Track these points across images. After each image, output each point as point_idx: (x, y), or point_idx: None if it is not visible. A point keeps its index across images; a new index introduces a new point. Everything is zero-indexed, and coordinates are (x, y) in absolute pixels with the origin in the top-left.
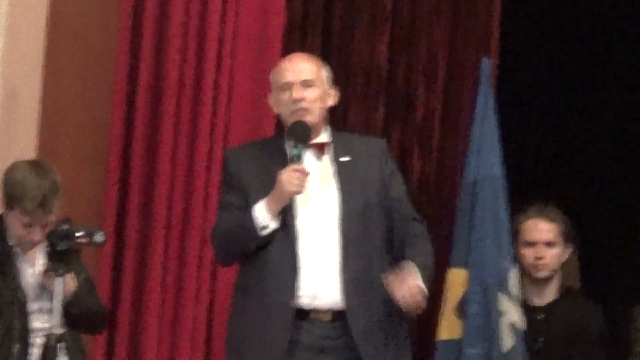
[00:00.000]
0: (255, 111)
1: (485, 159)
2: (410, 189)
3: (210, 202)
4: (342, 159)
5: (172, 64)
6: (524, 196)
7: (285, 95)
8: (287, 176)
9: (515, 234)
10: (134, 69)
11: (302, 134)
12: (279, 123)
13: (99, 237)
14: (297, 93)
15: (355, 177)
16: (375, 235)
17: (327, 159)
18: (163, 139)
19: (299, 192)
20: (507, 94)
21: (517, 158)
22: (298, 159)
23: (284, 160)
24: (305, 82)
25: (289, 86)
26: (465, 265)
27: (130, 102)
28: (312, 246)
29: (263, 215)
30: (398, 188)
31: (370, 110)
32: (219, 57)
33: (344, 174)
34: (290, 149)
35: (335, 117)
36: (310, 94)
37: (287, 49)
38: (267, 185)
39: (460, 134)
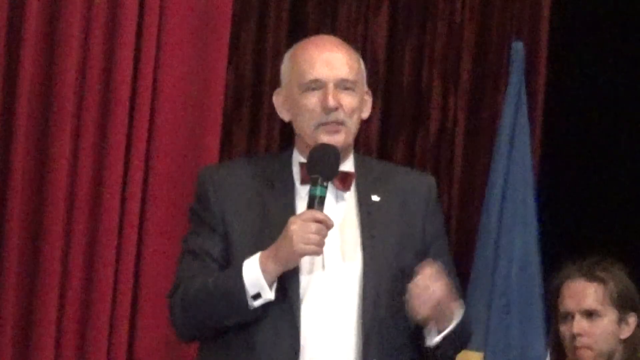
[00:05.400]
0: (191, 124)
1: (514, 194)
2: None
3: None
4: (370, 200)
5: (68, 56)
6: (571, 249)
7: (312, 99)
8: (301, 227)
9: (552, 304)
10: (11, 62)
11: (330, 164)
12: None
13: None
14: (333, 98)
15: (388, 230)
16: (407, 319)
17: (349, 197)
18: (56, 164)
19: (316, 253)
20: (555, 96)
21: (561, 189)
22: (321, 202)
23: (291, 194)
24: (343, 83)
25: (319, 85)
26: (479, 346)
27: (7, 109)
28: (321, 329)
29: (256, 279)
30: (441, 254)
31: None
32: (139, 46)
33: (372, 223)
34: (300, 175)
35: None
36: (349, 101)
37: (240, 32)
38: (263, 232)
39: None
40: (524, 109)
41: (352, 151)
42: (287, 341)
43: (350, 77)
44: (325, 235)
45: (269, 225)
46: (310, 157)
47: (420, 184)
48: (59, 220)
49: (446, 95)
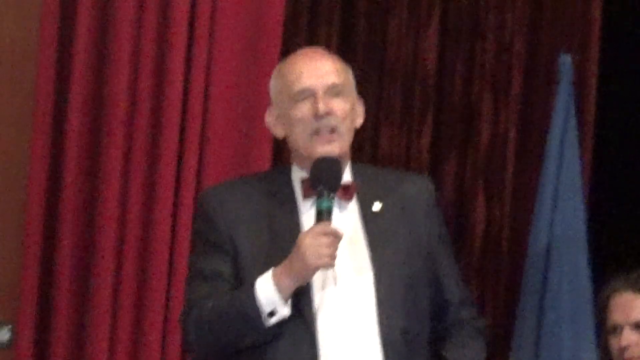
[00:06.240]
0: (243, 133)
1: (564, 208)
2: (472, 250)
3: (177, 261)
4: (373, 208)
5: (120, 61)
6: (622, 262)
7: (303, 109)
8: (313, 241)
9: (601, 318)
10: (63, 67)
11: (334, 176)
12: (277, 151)
13: (3, 334)
14: (323, 104)
15: (395, 238)
16: (423, 324)
17: (351, 207)
18: (107, 171)
19: (330, 266)
20: (606, 110)
21: (612, 202)
22: (329, 215)
23: (295, 210)
24: (332, 89)
25: (308, 94)
26: (532, 359)
27: (59, 114)
28: (340, 344)
29: (270, 296)
30: (448, 257)
31: (413, 134)
32: (190, 56)
33: (378, 232)
34: (302, 189)
35: (360, 144)
36: (340, 106)
37: (290, 45)
38: (271, 249)
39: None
40: (573, 122)
41: (350, 160)
42: (306, 358)
43: (339, 82)
44: (336, 247)
45: (276, 242)
46: (313, 171)
47: (419, 188)
48: (110, 232)
49: (497, 109)
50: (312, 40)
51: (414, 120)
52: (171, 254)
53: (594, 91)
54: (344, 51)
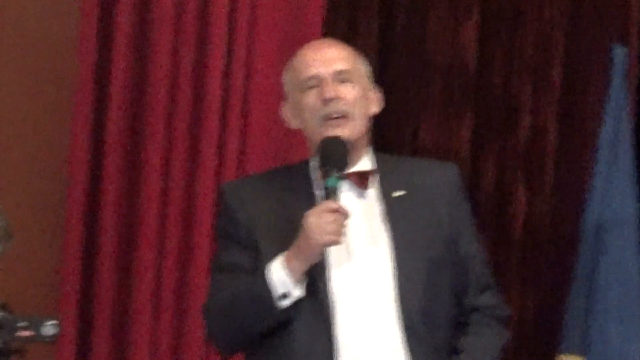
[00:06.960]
0: (284, 128)
1: (615, 192)
2: (512, 242)
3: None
4: (394, 194)
5: (160, 58)
6: None
7: (311, 96)
8: (318, 219)
9: None
10: (103, 65)
11: (338, 155)
12: None
13: (49, 329)
14: (330, 90)
15: (416, 222)
16: (444, 308)
17: (372, 194)
18: (148, 166)
19: (336, 243)
20: None
21: None
22: (334, 193)
23: (314, 200)
24: (339, 75)
25: (316, 81)
26: (581, 350)
27: (99, 111)
28: (357, 325)
29: (282, 278)
30: (471, 243)
31: (453, 126)
32: (230, 50)
33: (398, 216)
34: (318, 178)
35: (401, 135)
36: (349, 91)
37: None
38: (289, 239)
39: (586, 158)
40: (625, 114)
41: (370, 149)
42: (323, 339)
43: (347, 68)
44: (342, 224)
45: (295, 233)
46: (320, 152)
47: (442, 173)
48: (151, 227)
49: (537, 100)
50: (352, 34)
51: (454, 112)
52: (212, 250)
53: (636, 80)
54: (384, 44)
